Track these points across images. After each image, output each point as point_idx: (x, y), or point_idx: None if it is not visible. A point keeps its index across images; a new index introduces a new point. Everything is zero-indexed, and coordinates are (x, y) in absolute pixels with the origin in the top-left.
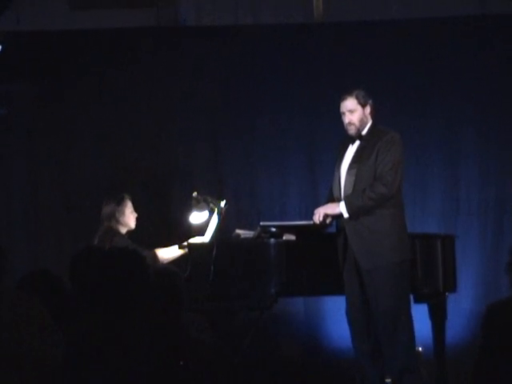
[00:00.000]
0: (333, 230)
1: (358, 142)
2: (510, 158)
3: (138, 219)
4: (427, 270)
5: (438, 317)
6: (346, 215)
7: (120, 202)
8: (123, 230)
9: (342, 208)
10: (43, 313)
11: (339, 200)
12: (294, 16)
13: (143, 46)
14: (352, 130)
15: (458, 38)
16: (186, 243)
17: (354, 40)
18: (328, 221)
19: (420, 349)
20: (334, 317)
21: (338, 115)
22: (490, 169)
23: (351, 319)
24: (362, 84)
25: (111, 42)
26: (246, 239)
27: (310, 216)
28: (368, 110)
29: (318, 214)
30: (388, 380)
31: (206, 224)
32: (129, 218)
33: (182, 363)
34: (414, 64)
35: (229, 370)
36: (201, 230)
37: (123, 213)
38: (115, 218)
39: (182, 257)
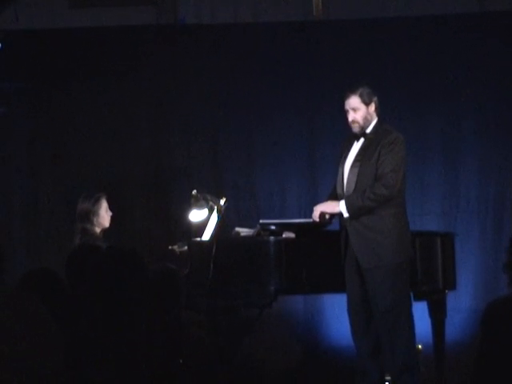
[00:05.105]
0: (333, 227)
1: (362, 140)
2: (510, 156)
3: (137, 217)
4: (427, 268)
5: (438, 314)
6: (346, 215)
7: (95, 203)
8: (97, 230)
9: (342, 207)
10: (43, 311)
11: (342, 197)
12: (294, 14)
13: (143, 44)
14: (356, 128)
15: (457, 36)
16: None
17: (354, 38)
18: (327, 217)
19: (420, 346)
20: (334, 315)
21: (337, 113)
22: (490, 166)
23: (352, 316)
24: (362, 81)
25: (111, 40)
26: (245, 237)
27: (310, 214)
28: (373, 107)
29: (316, 212)
30: (388, 377)
31: (206, 222)
32: (103, 219)
33: (181, 361)
34: (413, 61)
35: (228, 368)
36: (200, 228)
37: (97, 214)
38: (89, 218)
39: (181, 255)
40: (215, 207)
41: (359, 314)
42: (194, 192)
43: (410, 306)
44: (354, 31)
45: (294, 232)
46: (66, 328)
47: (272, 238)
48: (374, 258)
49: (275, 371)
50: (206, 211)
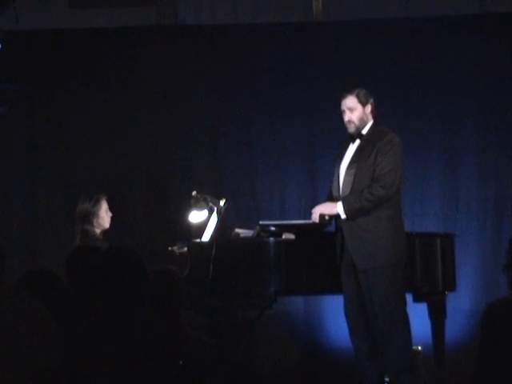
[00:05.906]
0: (332, 228)
1: (358, 141)
2: (510, 157)
3: (137, 218)
4: (427, 269)
5: (438, 315)
6: (343, 216)
7: (95, 204)
8: (97, 231)
9: (339, 208)
10: (43, 312)
11: (338, 199)
12: (294, 15)
13: (143, 44)
14: (352, 129)
15: (457, 37)
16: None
17: (353, 38)
18: (326, 219)
19: (419, 347)
20: (334, 316)
21: (337, 115)
22: (490, 168)
23: (349, 318)
24: (362, 82)
25: (111, 40)
26: (245, 238)
27: (309, 215)
28: (369, 108)
29: (315, 213)
30: (387, 379)
31: (206, 223)
32: (103, 220)
33: (181, 362)
34: (413, 62)
35: (228, 369)
36: (200, 229)
37: (97, 215)
38: (88, 219)
39: (181, 256)
40: (215, 208)
41: (357, 316)
42: (194, 193)
43: (406, 306)
44: (354, 32)
45: (293, 233)
46: (65, 328)
47: (272, 239)
48: (368, 259)
49: (275, 371)
50: (205, 212)
